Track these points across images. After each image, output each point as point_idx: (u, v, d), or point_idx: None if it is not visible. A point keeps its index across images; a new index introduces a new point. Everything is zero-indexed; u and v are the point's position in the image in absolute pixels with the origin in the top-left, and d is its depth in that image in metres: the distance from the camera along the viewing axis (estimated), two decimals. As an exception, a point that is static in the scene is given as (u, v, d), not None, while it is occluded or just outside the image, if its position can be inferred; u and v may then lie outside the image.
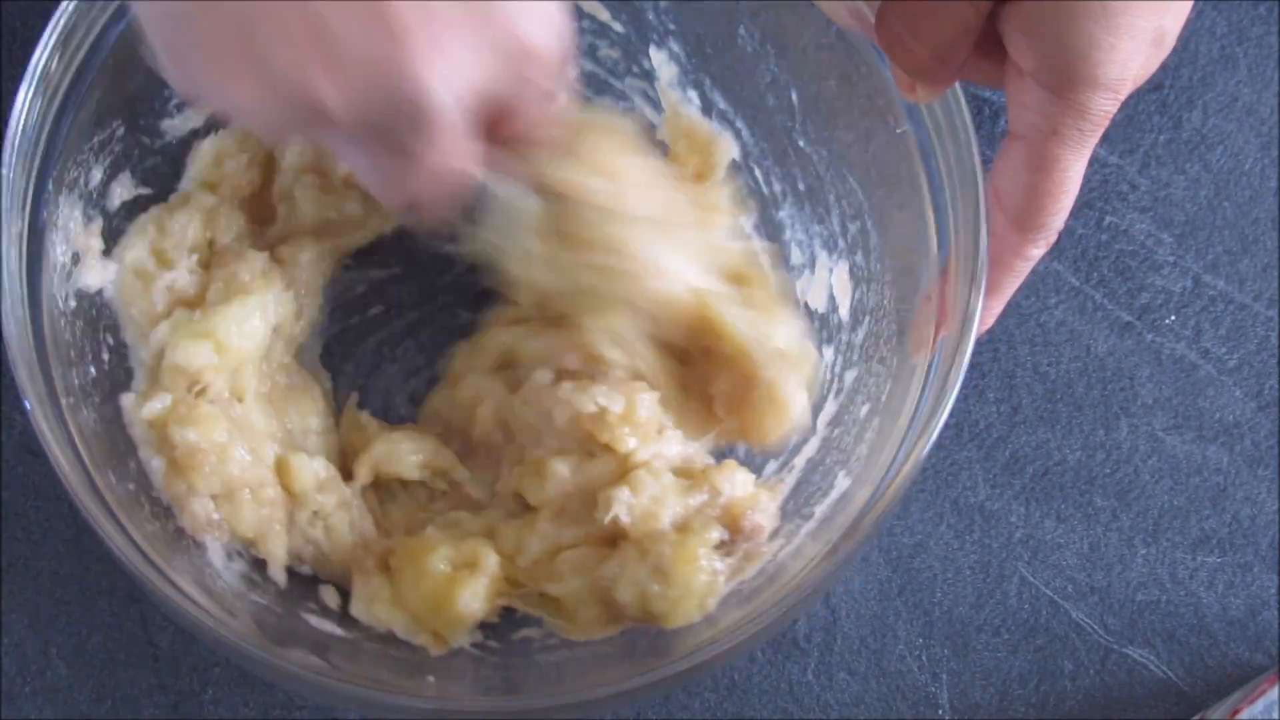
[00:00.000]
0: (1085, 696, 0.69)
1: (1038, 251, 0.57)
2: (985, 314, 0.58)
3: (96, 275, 0.63)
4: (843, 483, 0.63)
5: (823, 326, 0.69)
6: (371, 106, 0.43)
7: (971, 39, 0.54)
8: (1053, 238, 0.56)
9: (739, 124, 0.71)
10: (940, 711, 0.69)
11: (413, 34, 0.41)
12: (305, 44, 0.41)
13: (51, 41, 0.59)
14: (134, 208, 0.65)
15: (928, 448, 0.57)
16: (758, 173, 0.71)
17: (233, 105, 0.44)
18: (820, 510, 0.63)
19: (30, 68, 0.58)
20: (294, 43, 0.41)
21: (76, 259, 0.62)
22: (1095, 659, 0.70)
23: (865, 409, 0.65)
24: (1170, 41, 0.52)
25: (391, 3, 0.41)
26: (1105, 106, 0.52)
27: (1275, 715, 0.65)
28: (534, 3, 0.45)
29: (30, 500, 0.68)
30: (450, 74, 0.43)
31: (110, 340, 0.64)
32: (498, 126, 0.48)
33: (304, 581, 0.64)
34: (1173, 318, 0.74)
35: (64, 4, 0.59)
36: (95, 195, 0.63)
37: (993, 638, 0.70)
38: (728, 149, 0.71)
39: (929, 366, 0.60)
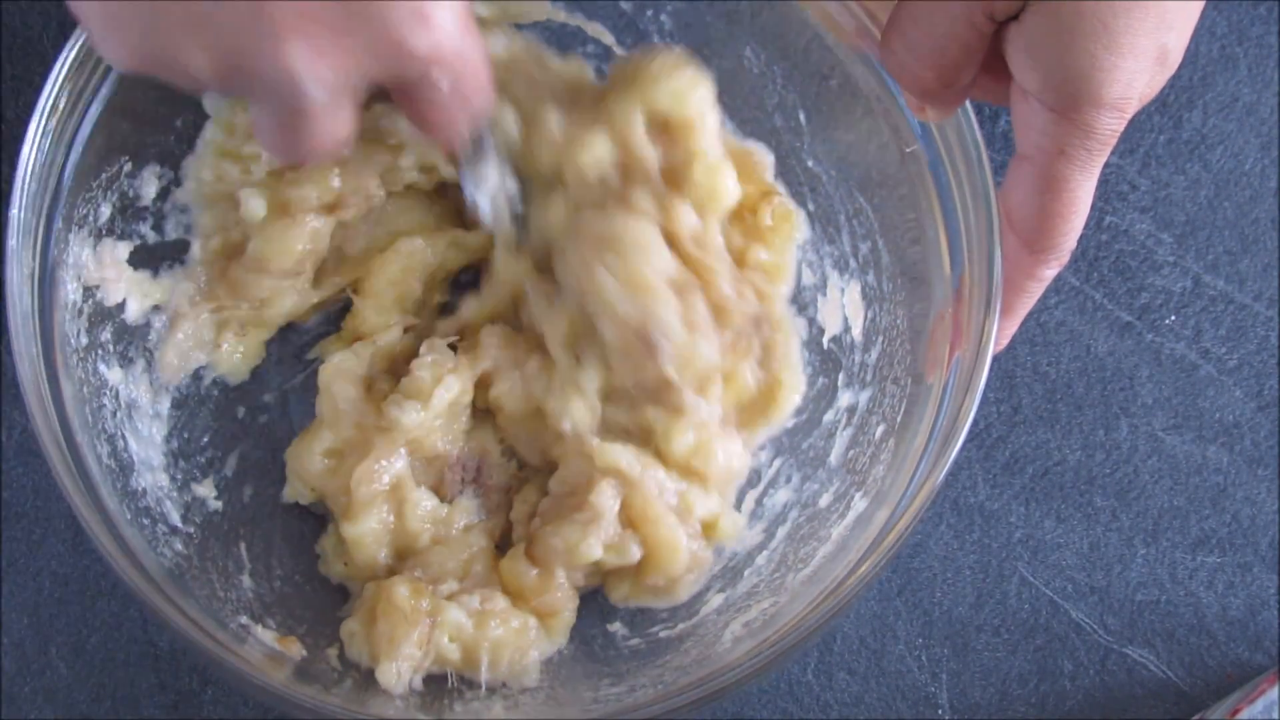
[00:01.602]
0: (1085, 696, 0.69)
1: (1050, 272, 0.57)
2: (999, 335, 0.58)
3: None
4: (859, 504, 0.63)
5: (836, 347, 0.69)
6: (242, 86, 0.47)
7: (976, 61, 0.54)
8: (1065, 258, 0.56)
9: (747, 145, 0.71)
10: (940, 711, 0.69)
11: (287, 30, 0.45)
12: (189, 23, 0.45)
13: (59, 80, 0.59)
14: (143, 246, 0.66)
15: (946, 469, 0.57)
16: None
17: (133, 62, 0.48)
18: (837, 533, 0.63)
19: (38, 106, 0.59)
20: (179, 20, 0.45)
21: (88, 295, 0.62)
22: (1095, 659, 0.70)
23: (880, 430, 0.65)
24: (1175, 59, 0.52)
25: (272, 2, 0.45)
26: (1111, 126, 0.52)
27: (1275, 715, 0.65)
28: (417, 6, 0.46)
29: (30, 500, 0.68)
30: (320, 68, 0.46)
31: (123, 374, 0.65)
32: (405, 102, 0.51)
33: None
34: (1173, 318, 0.74)
35: (70, 41, 0.59)
36: (104, 231, 0.63)
37: (993, 638, 0.70)
38: (764, 157, 0.71)
39: (944, 386, 0.60)
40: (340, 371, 0.66)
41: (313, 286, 0.68)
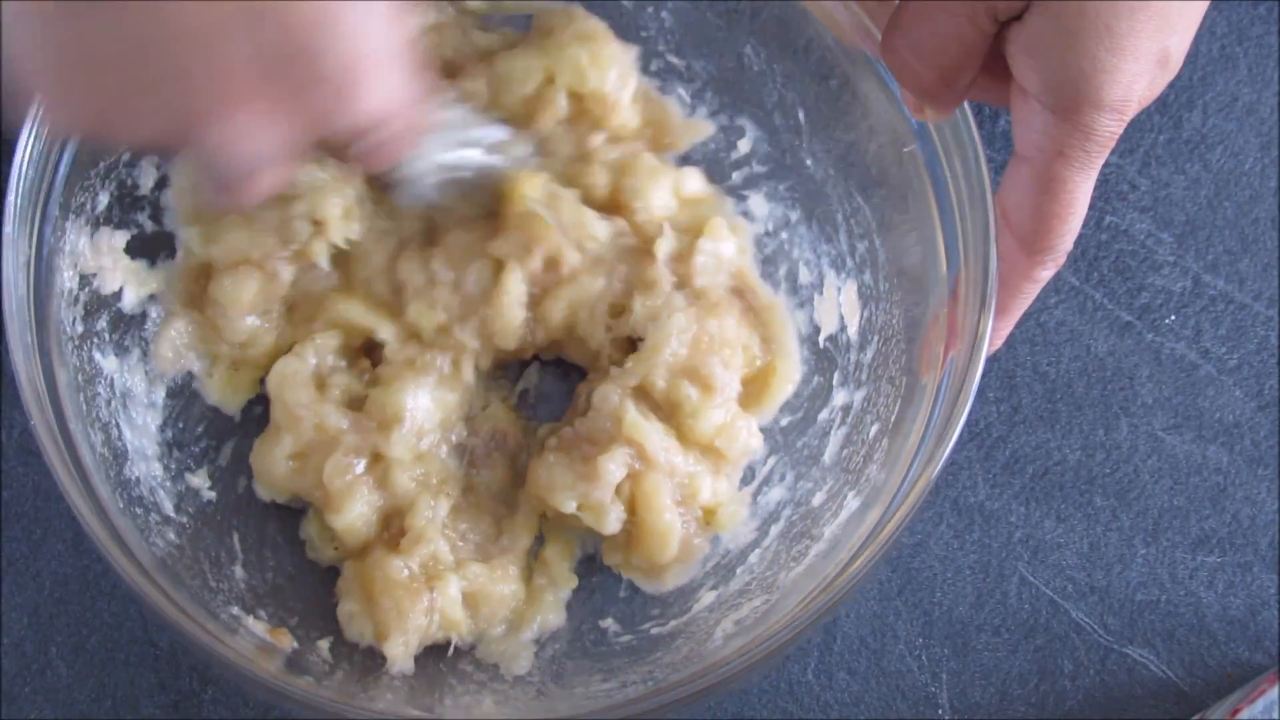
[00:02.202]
0: (1085, 696, 0.69)
1: (1046, 273, 0.57)
2: (994, 335, 0.58)
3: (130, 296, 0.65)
4: (852, 503, 0.63)
5: (831, 346, 0.69)
6: (189, 147, 0.47)
7: (977, 61, 0.54)
8: (1061, 259, 0.56)
9: (745, 142, 0.71)
10: (940, 711, 0.69)
11: (231, 101, 0.45)
12: (139, 92, 0.45)
13: None
14: (140, 236, 0.66)
15: (938, 469, 0.57)
16: (765, 190, 0.71)
17: (83, 127, 0.49)
18: (830, 531, 0.63)
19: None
20: (130, 89, 0.45)
21: (84, 283, 0.62)
22: (1095, 659, 0.70)
23: (874, 429, 0.65)
24: (1176, 62, 0.52)
25: (217, 74, 0.44)
26: (1110, 128, 0.52)
27: (1275, 715, 0.65)
28: (352, 77, 0.46)
29: (30, 500, 0.68)
30: (263, 135, 0.46)
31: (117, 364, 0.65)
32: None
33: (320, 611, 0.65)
34: (1173, 317, 0.74)
35: None
36: (102, 220, 0.63)
37: (993, 637, 0.70)
38: (701, 130, 0.71)
39: (938, 386, 0.60)
40: (287, 378, 0.65)
41: (287, 322, 0.68)
